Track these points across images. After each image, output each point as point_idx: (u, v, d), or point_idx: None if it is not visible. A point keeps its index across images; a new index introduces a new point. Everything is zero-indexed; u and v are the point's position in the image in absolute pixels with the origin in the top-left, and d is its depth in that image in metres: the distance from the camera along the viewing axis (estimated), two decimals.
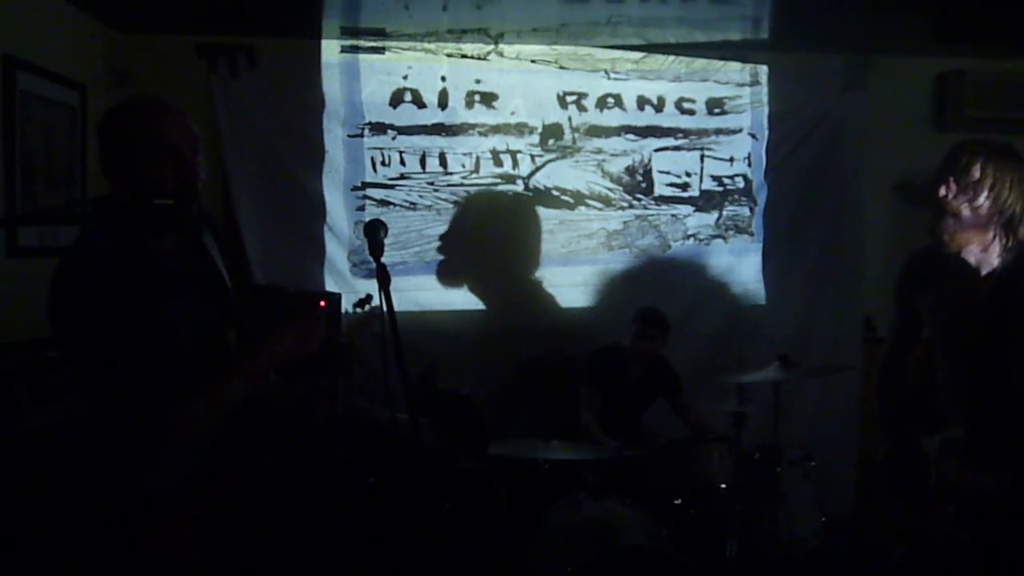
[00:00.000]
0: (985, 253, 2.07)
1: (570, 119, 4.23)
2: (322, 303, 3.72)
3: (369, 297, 2.26)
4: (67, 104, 3.56)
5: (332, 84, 4.07)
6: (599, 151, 4.26)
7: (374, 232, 1.79)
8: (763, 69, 4.33)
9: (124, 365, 1.58)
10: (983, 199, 2.00)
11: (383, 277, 1.74)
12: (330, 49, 4.06)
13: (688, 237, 4.36)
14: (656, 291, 4.20)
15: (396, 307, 3.94)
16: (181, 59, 3.96)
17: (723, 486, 3.15)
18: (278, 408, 1.92)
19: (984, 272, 2.09)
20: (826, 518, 3.28)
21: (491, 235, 4.14)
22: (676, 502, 3.14)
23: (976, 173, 2.00)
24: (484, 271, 4.15)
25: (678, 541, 2.94)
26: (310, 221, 4.05)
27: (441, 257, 4.12)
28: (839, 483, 4.12)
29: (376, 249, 1.76)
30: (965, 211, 2.01)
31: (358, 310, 2.29)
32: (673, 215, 4.34)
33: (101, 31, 3.84)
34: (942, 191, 2.03)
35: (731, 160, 4.36)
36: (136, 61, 3.95)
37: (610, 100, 4.26)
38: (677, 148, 4.32)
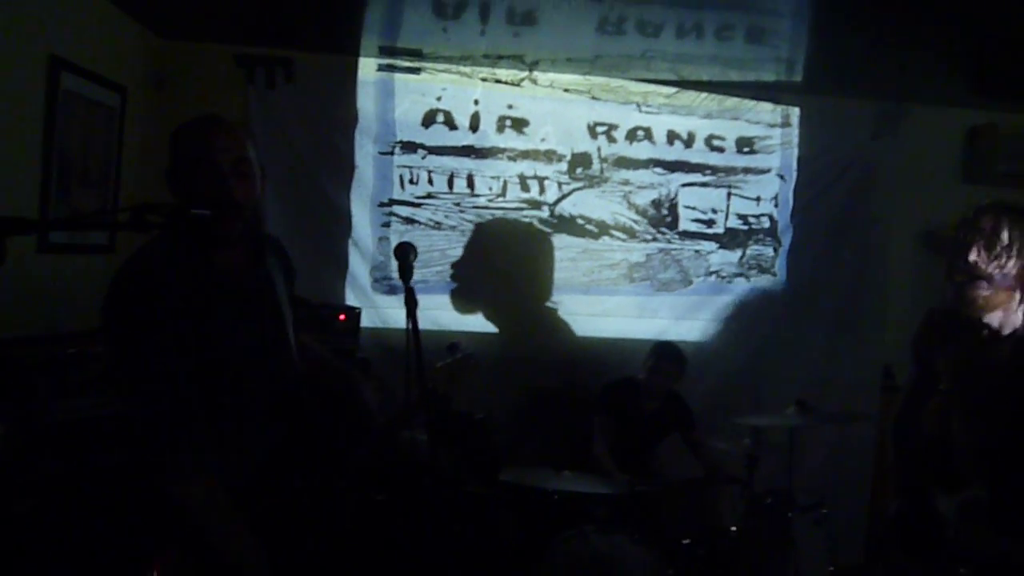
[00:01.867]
0: (1009, 313, 2.07)
1: (599, 149, 4.25)
2: (342, 316, 3.74)
3: (457, 345, 2.25)
4: (108, 105, 3.62)
5: (366, 101, 4.12)
6: (626, 183, 4.28)
7: (404, 255, 1.80)
8: (795, 111, 4.33)
9: (162, 371, 1.60)
10: (1013, 263, 2.00)
11: (411, 301, 1.75)
12: (367, 67, 4.11)
13: (710, 274, 4.35)
14: (675, 326, 4.19)
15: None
16: (220, 68, 4.02)
17: (733, 528, 3.12)
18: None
19: (1006, 332, 2.08)
20: (834, 567, 3.25)
21: (507, 261, 4.16)
22: (684, 542, 3.11)
23: (1005, 237, 2.01)
24: (500, 296, 4.16)
25: None
26: (335, 235, 4.08)
27: (460, 279, 4.14)
28: (850, 532, 4.07)
29: (406, 272, 1.77)
30: (996, 275, 2.01)
31: (448, 355, 2.24)
32: (696, 251, 4.34)
33: (144, 35, 3.90)
34: (972, 256, 2.02)
35: (758, 200, 4.36)
36: (177, 67, 4.01)
37: (640, 133, 4.28)
38: (704, 184, 4.33)
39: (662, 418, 3.76)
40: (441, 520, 3.14)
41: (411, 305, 1.75)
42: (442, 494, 3.19)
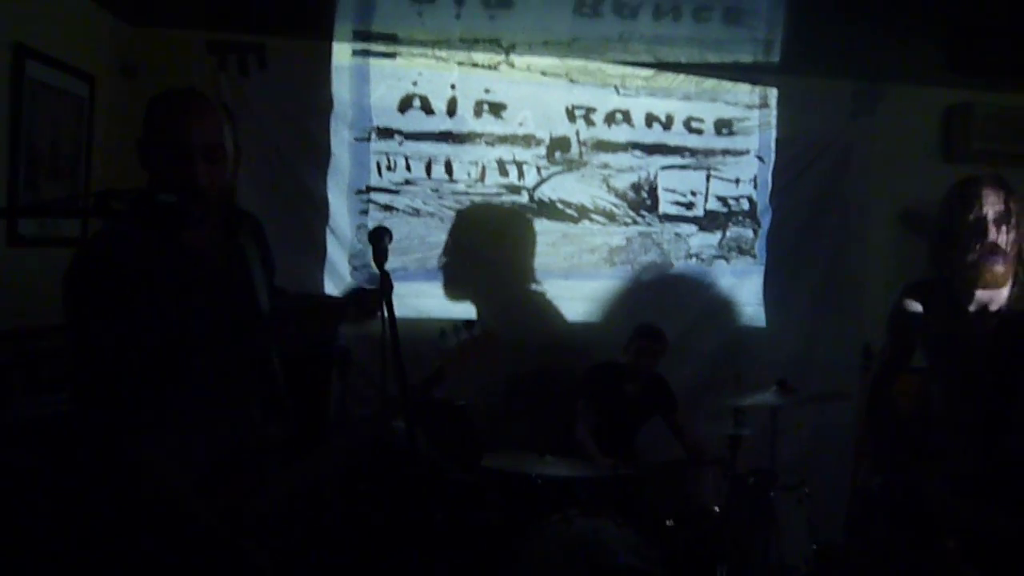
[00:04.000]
0: (1003, 288, 2.09)
1: (578, 133, 4.23)
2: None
3: (474, 322, 2.20)
4: (76, 95, 3.54)
5: (341, 87, 4.05)
6: (606, 166, 4.26)
7: (379, 239, 1.77)
8: (773, 92, 4.32)
9: (116, 345, 1.58)
10: (1015, 234, 2.02)
11: (386, 284, 1.72)
12: (341, 52, 4.05)
13: (691, 256, 4.35)
14: (656, 309, 4.18)
15: (396, 314, 3.89)
16: (191, 55, 3.94)
17: (716, 509, 3.13)
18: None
19: (993, 308, 2.09)
20: (817, 545, 3.26)
21: (489, 246, 4.13)
22: (668, 523, 3.12)
23: (1010, 207, 2.02)
24: (482, 282, 4.13)
25: (669, 563, 2.92)
26: (312, 223, 4.03)
27: (440, 265, 4.11)
28: (832, 510, 4.09)
29: (380, 256, 1.74)
30: (1006, 246, 2.03)
31: (465, 333, 2.18)
32: (677, 233, 4.33)
33: (112, 23, 3.82)
34: (992, 233, 2.03)
35: (737, 181, 4.36)
36: (147, 54, 3.93)
37: (619, 116, 4.25)
38: (684, 167, 4.31)
39: (645, 401, 3.76)
40: (423, 508, 3.13)
41: (386, 289, 1.72)
42: (424, 482, 3.18)
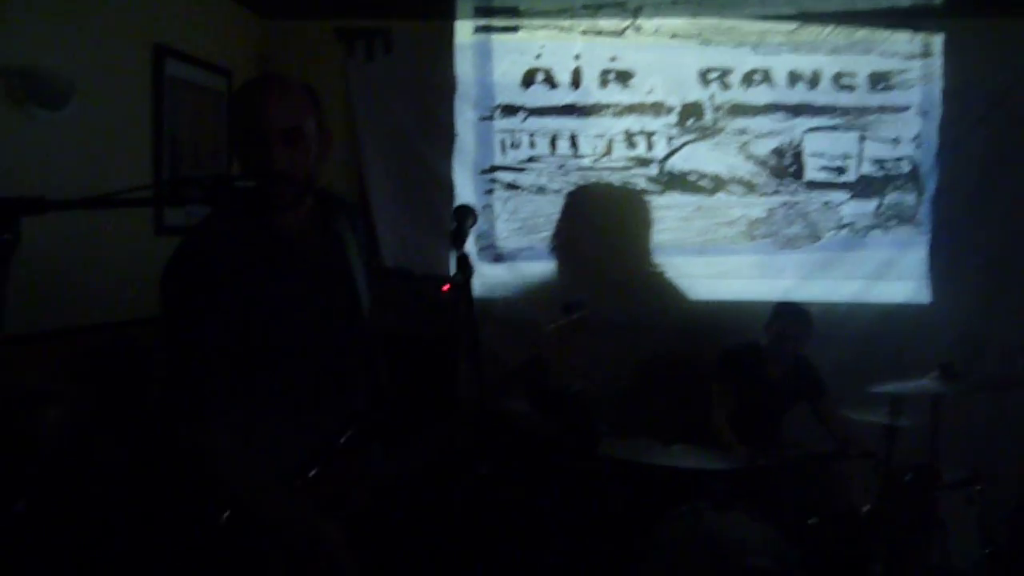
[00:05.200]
0: None
1: (712, 97, 3.95)
2: (445, 287, 3.70)
3: (575, 304, 2.12)
4: (214, 89, 3.71)
5: (464, 65, 4.03)
6: (743, 132, 3.95)
7: (462, 219, 1.67)
8: (937, 39, 3.83)
9: (201, 334, 1.59)
10: None
11: (465, 268, 1.62)
12: (463, 30, 4.02)
13: (842, 227, 3.96)
14: (803, 286, 3.86)
15: (522, 293, 3.82)
16: (322, 43, 4.04)
17: (865, 508, 2.82)
18: None
19: None
20: (990, 549, 2.89)
21: (604, 224, 3.95)
22: (811, 521, 2.85)
23: None
24: (600, 262, 3.96)
25: (808, 566, 2.67)
26: (439, 204, 4.02)
27: (555, 246, 3.99)
28: (1010, 511, 3.62)
29: (460, 237, 1.64)
30: None
31: (563, 315, 2.10)
32: (825, 202, 3.95)
33: (247, 18, 3.97)
34: None
35: (896, 141, 3.91)
36: (280, 46, 4.07)
37: (757, 76, 3.93)
38: (833, 128, 3.92)
39: (787, 386, 3.46)
40: (547, 495, 3.05)
41: (466, 274, 1.62)
42: (547, 468, 3.09)
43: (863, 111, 3.91)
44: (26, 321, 2.58)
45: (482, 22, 4.00)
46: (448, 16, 3.98)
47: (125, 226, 3.13)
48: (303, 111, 1.69)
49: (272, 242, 1.69)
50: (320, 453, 1.70)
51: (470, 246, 4.19)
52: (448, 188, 4.03)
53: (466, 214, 1.70)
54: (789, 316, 3.44)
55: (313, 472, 1.68)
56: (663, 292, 3.95)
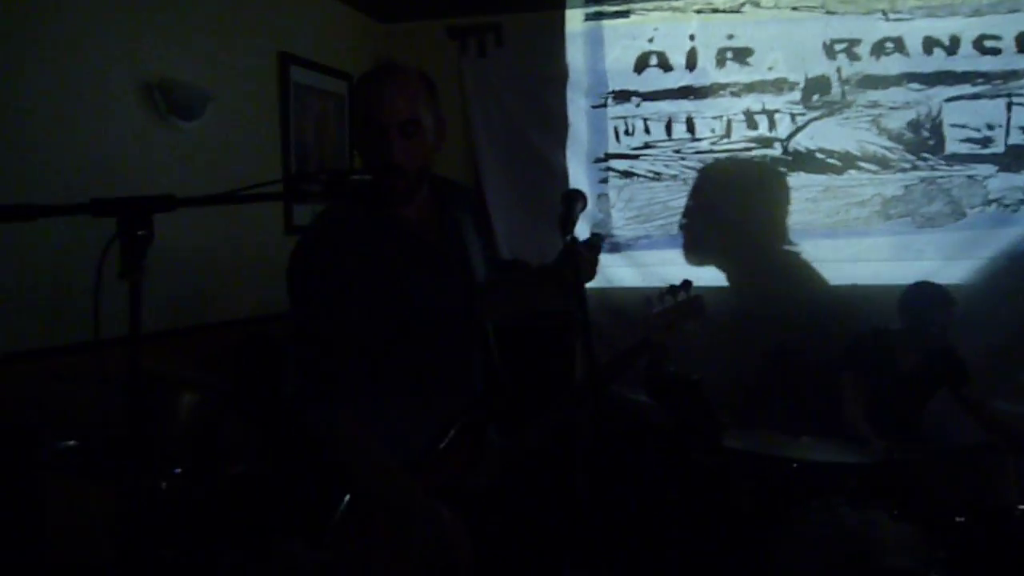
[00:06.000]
0: None
1: (839, 70, 3.72)
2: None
3: (679, 287, 2.08)
4: (337, 93, 3.85)
5: (576, 54, 3.99)
6: (874, 105, 3.70)
7: (570, 204, 1.64)
8: None
9: (332, 336, 1.64)
10: None
11: (571, 256, 1.59)
12: (574, 19, 3.98)
13: (989, 203, 3.64)
14: (946, 267, 3.58)
15: (640, 283, 3.74)
16: (437, 43, 4.12)
17: (1021, 507, 2.59)
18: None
19: None
20: None
21: (734, 205, 3.79)
22: (958, 520, 2.63)
23: None
24: (730, 244, 3.81)
25: (955, 568, 2.47)
26: (553, 194, 3.93)
27: (681, 228, 3.87)
28: None
29: (567, 222, 1.61)
30: None
31: (669, 298, 2.06)
32: (970, 176, 3.65)
33: (365, 23, 4.09)
34: None
35: None
36: (397, 48, 4.17)
37: (889, 45, 3.67)
38: (976, 96, 3.61)
39: (927, 373, 3.22)
40: (671, 488, 2.98)
41: (572, 263, 1.58)
42: (671, 459, 3.02)
43: (1010, 76, 3.57)
44: (168, 316, 2.77)
45: (592, 9, 3.95)
46: (558, 6, 3.95)
47: (258, 226, 3.31)
48: (420, 102, 1.70)
49: (391, 230, 1.73)
50: (440, 435, 1.73)
51: (585, 235, 4.18)
52: (563, 178, 4.00)
53: (574, 199, 1.67)
54: (924, 298, 3.19)
55: (433, 453, 1.71)
56: (794, 275, 3.76)
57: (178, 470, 1.83)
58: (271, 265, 3.09)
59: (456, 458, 1.74)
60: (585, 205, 1.70)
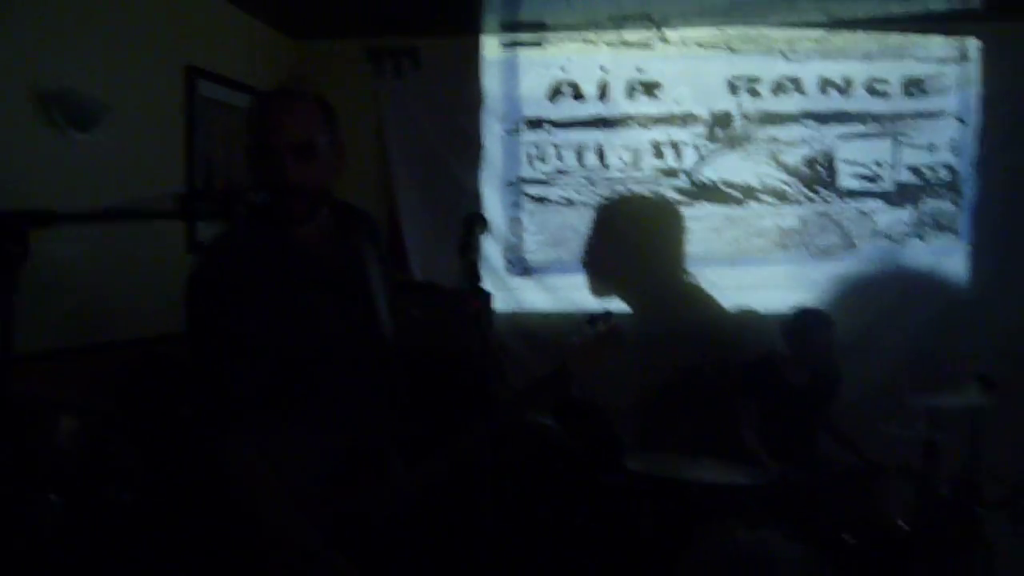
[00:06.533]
0: None
1: (740, 106, 3.90)
2: (476, 303, 3.70)
3: (600, 317, 2.09)
4: (247, 109, 3.76)
5: (492, 80, 4.05)
6: (774, 140, 3.89)
7: (469, 226, 1.65)
8: (973, 43, 3.74)
9: (225, 348, 1.60)
10: None
11: (473, 278, 1.60)
12: (490, 46, 4.04)
13: (878, 236, 3.86)
14: (837, 296, 3.77)
15: (551, 307, 3.76)
16: (352, 62, 4.09)
17: (902, 526, 2.73)
18: None
19: None
20: None
21: (635, 238, 3.90)
22: (846, 538, 2.75)
23: None
24: (631, 278, 3.90)
25: None
26: None
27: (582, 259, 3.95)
28: None
29: (468, 246, 1.62)
30: None
31: (589, 328, 2.07)
32: (860, 211, 3.87)
33: (278, 39, 4.04)
34: None
35: (932, 148, 3.82)
36: (310, 66, 4.12)
37: (787, 84, 3.88)
38: (866, 135, 3.85)
39: (812, 394, 3.37)
40: (579, 510, 3.00)
41: (473, 284, 1.59)
42: (578, 483, 3.05)
43: (897, 117, 3.83)
44: (58, 336, 2.64)
45: (508, 37, 4.01)
46: (475, 32, 4.00)
47: (159, 243, 3.19)
48: (315, 125, 1.69)
49: (290, 254, 1.69)
50: (341, 463, 1.70)
51: (498, 259, 4.19)
52: (476, 201, 4.03)
53: (473, 221, 1.68)
54: (804, 322, 3.35)
55: (334, 481, 1.67)
56: (694, 303, 3.87)
57: (54, 497, 1.74)
58: (172, 283, 2.99)
59: (358, 487, 1.71)
60: (485, 228, 1.71)
